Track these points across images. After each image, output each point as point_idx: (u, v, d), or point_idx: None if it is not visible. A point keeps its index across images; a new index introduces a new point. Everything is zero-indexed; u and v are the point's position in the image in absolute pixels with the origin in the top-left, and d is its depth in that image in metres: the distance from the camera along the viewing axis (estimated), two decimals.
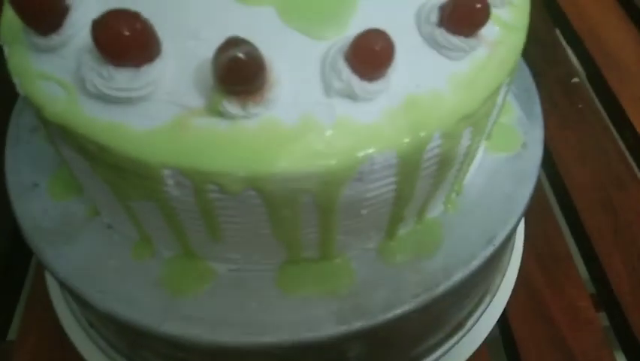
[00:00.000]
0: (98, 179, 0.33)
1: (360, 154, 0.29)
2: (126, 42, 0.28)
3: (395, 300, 0.36)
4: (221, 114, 0.29)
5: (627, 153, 0.66)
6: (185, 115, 0.29)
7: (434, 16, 0.32)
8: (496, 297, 0.52)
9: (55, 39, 0.31)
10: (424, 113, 0.30)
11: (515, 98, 0.47)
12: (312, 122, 0.29)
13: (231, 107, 0.28)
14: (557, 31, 0.79)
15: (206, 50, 0.28)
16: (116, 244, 0.39)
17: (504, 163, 0.43)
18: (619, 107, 0.69)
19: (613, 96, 0.70)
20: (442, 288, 0.37)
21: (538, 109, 0.47)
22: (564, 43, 0.78)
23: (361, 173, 0.30)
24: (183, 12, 0.32)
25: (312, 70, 0.30)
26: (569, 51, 0.77)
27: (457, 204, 0.41)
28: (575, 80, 0.73)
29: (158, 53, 0.29)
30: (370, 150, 0.29)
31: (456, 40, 0.31)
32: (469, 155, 0.37)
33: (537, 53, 0.72)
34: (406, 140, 0.30)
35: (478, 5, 0.30)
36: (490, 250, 0.39)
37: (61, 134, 0.32)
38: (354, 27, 0.31)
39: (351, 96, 0.29)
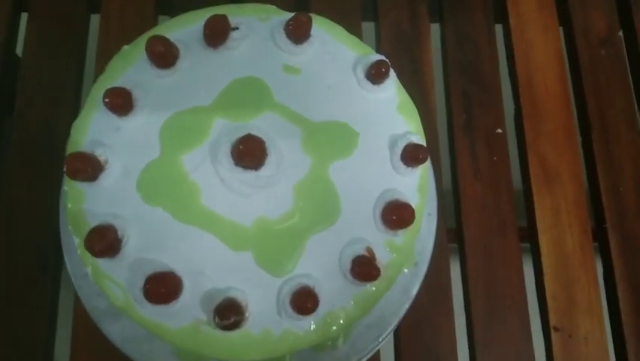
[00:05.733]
0: None
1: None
2: (166, 294, 0.49)
3: None
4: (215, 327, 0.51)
5: None
6: (197, 323, 0.51)
7: (347, 264, 0.52)
8: None
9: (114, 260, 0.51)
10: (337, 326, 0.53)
11: None
12: (269, 333, 0.52)
13: (223, 324, 0.50)
14: None
15: (209, 282, 0.50)
16: None
17: None
18: None
19: None
20: None
21: None
22: None
23: None
24: (196, 256, 0.51)
25: (271, 299, 0.52)
26: None
27: None
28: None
29: (182, 290, 0.50)
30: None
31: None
32: None
33: None
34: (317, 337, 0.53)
35: (374, 272, 0.51)
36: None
37: None
38: (300, 268, 0.52)
39: (294, 319, 0.52)
